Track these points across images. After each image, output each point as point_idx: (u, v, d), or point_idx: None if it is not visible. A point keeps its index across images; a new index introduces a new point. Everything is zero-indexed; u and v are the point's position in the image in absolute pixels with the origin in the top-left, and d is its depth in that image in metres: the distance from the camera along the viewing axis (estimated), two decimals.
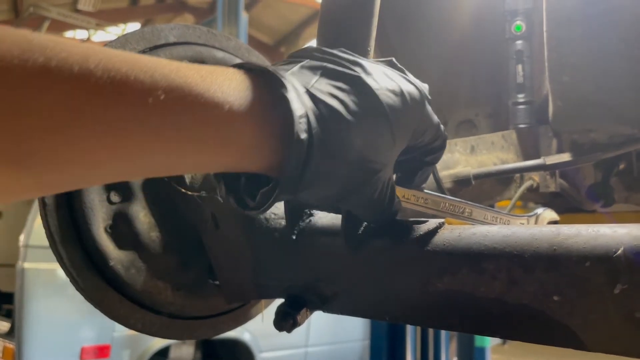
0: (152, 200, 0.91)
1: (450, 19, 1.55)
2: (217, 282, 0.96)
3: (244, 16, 7.43)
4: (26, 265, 3.76)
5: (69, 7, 11.86)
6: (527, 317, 0.57)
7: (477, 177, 1.05)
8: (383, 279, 0.71)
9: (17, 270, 3.76)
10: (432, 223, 0.70)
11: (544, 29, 1.03)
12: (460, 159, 1.12)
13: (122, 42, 0.93)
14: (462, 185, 1.07)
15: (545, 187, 1.20)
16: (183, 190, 0.90)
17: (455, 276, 0.64)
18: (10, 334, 3.88)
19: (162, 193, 0.92)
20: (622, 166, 1.45)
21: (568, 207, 1.60)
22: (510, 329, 0.59)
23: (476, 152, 1.16)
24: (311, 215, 0.84)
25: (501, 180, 1.23)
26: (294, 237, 0.82)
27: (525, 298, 0.58)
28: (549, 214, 0.93)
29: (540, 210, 0.92)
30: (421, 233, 0.69)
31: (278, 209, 0.88)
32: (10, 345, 3.81)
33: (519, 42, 1.26)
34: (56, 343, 3.76)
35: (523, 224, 0.91)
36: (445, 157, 1.09)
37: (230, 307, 1.01)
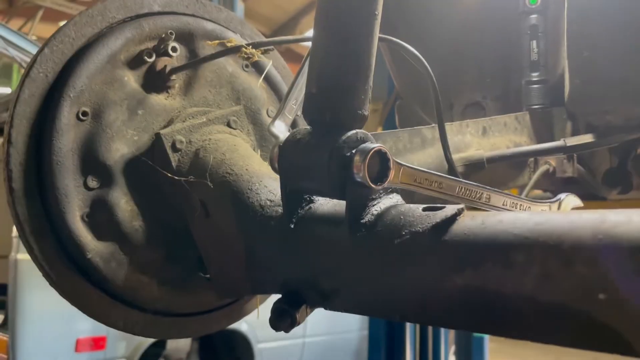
0: (135, 185, 0.82)
1: None
2: (207, 276, 0.88)
3: (240, 5, 7.35)
4: (19, 256, 3.67)
5: None
6: (565, 319, 0.49)
7: (492, 160, 0.97)
8: (392, 273, 0.63)
9: (10, 261, 3.67)
10: (450, 209, 0.62)
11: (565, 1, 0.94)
12: (472, 141, 1.03)
13: (100, 11, 0.84)
14: (475, 169, 0.99)
15: (562, 171, 1.12)
16: (169, 174, 0.81)
17: (478, 270, 0.55)
18: (3, 326, 3.81)
19: (146, 178, 0.83)
20: (638, 151, 1.37)
21: (579, 194, 1.51)
22: (544, 332, 0.51)
23: (488, 135, 1.08)
24: (311, 201, 0.75)
25: (514, 165, 1.15)
26: (292, 226, 0.74)
27: (562, 296, 0.49)
28: (573, 200, 0.84)
29: (563, 196, 0.84)
30: (438, 221, 0.61)
31: (275, 195, 0.80)
32: (4, 337, 3.73)
33: (534, 16, 1.17)
34: (51, 335, 3.68)
35: (545, 210, 0.83)
36: (456, 138, 1.00)
37: (222, 302, 0.93)
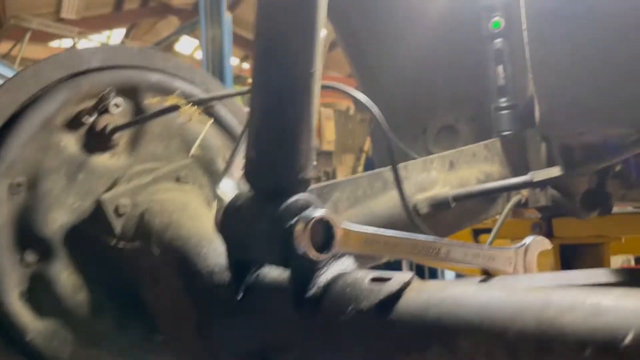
0: (78, 256, 0.78)
1: (423, 13, 1.42)
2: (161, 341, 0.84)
3: (227, 16, 7.31)
4: None
5: (51, 16, 11.64)
6: None
7: (457, 198, 0.93)
8: (340, 353, 0.59)
9: None
10: (395, 282, 0.57)
11: (524, 26, 0.90)
12: (438, 178, 0.99)
13: (34, 73, 0.80)
14: (441, 209, 0.95)
15: (535, 201, 1.08)
16: (113, 242, 0.77)
17: (424, 355, 0.51)
18: None
19: (90, 247, 0.79)
20: (617, 168, 1.33)
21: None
22: None
23: (456, 168, 1.04)
24: (260, 267, 0.71)
25: (488, 196, 1.11)
26: (240, 297, 0.70)
27: None
28: (540, 244, 0.80)
29: (529, 240, 0.80)
30: (382, 297, 0.57)
31: (224, 259, 0.76)
32: None
33: (498, 40, 1.13)
34: None
35: (511, 258, 0.79)
36: (420, 177, 0.97)
37: None
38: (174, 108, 0.78)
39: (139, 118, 0.81)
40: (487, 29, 1.13)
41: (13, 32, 11.30)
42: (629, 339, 0.40)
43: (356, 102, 0.76)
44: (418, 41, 1.47)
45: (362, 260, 0.80)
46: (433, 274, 3.10)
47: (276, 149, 0.63)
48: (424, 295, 0.55)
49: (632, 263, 5.46)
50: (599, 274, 0.67)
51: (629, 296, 0.43)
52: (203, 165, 0.91)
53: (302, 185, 0.65)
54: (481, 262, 0.76)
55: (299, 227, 0.60)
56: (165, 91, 0.89)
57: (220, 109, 0.95)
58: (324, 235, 0.62)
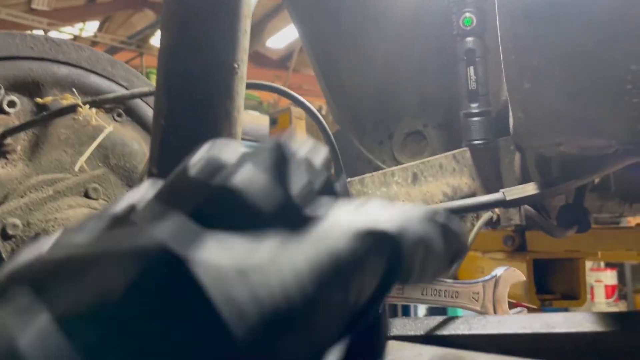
0: None
1: (390, 10, 1.30)
2: None
3: None
4: None
5: (23, 6, 11.26)
6: None
7: None
8: None
9: None
10: None
11: (498, 25, 0.78)
12: (399, 193, 0.87)
13: None
14: None
15: (508, 219, 0.97)
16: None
17: None
18: None
19: None
20: (596, 181, 1.23)
21: None
22: None
23: (420, 181, 0.92)
24: None
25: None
26: None
27: None
28: (511, 276, 0.69)
29: (499, 272, 0.68)
30: None
31: None
32: None
33: (470, 39, 1.01)
34: None
35: (477, 292, 0.67)
36: (379, 192, 0.84)
37: None
38: (71, 109, 0.64)
39: (32, 120, 0.67)
40: (458, 26, 1.02)
41: None
42: None
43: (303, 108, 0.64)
44: (385, 40, 1.35)
45: None
46: (406, 308, 2.99)
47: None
48: None
49: (603, 266, 5.47)
50: (579, 320, 0.55)
51: None
52: (122, 176, 0.77)
53: None
54: (443, 299, 0.64)
55: None
56: (77, 88, 0.75)
57: (148, 109, 0.81)
58: None
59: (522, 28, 0.76)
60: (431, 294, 0.62)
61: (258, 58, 11.08)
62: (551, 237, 1.25)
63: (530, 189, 0.80)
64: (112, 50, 11.92)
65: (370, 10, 1.34)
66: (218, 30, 0.51)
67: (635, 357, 0.52)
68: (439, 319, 0.64)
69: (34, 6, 10.95)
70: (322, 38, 1.42)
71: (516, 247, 1.62)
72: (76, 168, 0.67)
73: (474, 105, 1.02)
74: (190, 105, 0.50)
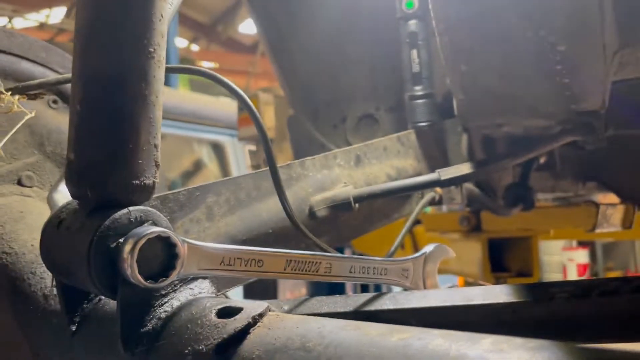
0: None
1: None
2: None
3: None
4: None
5: None
6: None
7: (359, 199, 0.83)
8: None
9: None
10: (243, 318, 0.46)
11: (430, 6, 0.80)
12: (341, 175, 0.89)
13: None
14: (343, 211, 0.84)
15: (450, 199, 0.99)
16: None
17: None
18: None
19: None
20: (542, 160, 1.27)
21: None
22: None
23: (363, 163, 0.93)
24: None
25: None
26: (73, 329, 0.57)
27: None
28: (441, 252, 0.71)
29: (429, 248, 0.71)
30: (225, 336, 0.45)
31: None
32: None
33: (412, 21, 1.03)
34: None
35: (407, 269, 0.69)
36: (321, 175, 0.85)
37: None
38: None
39: None
40: (401, 10, 1.03)
41: None
42: None
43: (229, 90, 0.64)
44: (337, 24, 1.36)
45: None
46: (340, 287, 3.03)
47: (102, 148, 0.50)
48: (273, 335, 0.44)
49: (574, 245, 5.61)
50: (497, 293, 0.58)
51: (498, 351, 0.32)
52: (58, 163, 0.77)
53: (139, 194, 0.52)
54: (372, 276, 0.66)
55: (127, 248, 0.48)
56: (9, 75, 0.74)
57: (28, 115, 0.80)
58: (165, 257, 0.50)
59: (453, 9, 0.78)
60: (360, 271, 0.64)
61: (231, 43, 10.92)
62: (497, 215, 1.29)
63: (464, 168, 0.83)
64: None
65: None
66: (132, 14, 0.51)
67: (543, 326, 0.54)
68: (367, 295, 0.66)
69: None
70: (274, 19, 1.42)
71: (472, 227, 1.65)
72: None
73: (418, 87, 1.04)
74: (105, 90, 0.50)
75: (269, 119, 4.08)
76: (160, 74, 0.53)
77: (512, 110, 0.99)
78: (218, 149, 4.87)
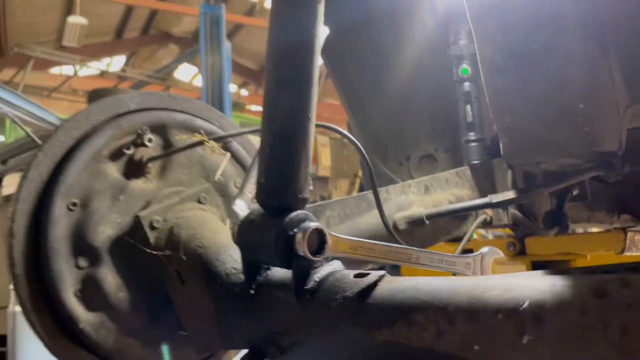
0: (120, 262, 0.96)
1: (405, 56, 1.63)
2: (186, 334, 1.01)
3: (226, 44, 7.54)
4: (17, 308, 3.76)
5: (53, 43, 11.91)
6: None
7: (430, 217, 1.12)
8: (331, 331, 0.77)
9: (9, 313, 3.76)
10: (373, 276, 0.76)
11: (482, 77, 1.10)
12: (414, 200, 1.18)
13: (85, 115, 0.99)
14: (417, 226, 1.13)
15: (498, 220, 1.27)
16: (148, 250, 0.96)
17: (392, 328, 0.70)
18: None
19: (129, 254, 0.97)
20: (575, 192, 1.53)
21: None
22: None
23: (430, 192, 1.23)
24: (268, 269, 0.89)
25: (458, 215, 1.30)
26: (252, 292, 0.88)
27: (451, 347, 0.64)
28: (494, 253, 0.99)
29: (485, 250, 0.99)
30: (363, 287, 0.75)
31: (239, 263, 0.94)
32: None
33: (466, 84, 1.33)
34: None
35: (469, 264, 0.98)
36: (400, 199, 1.16)
37: (200, 357, 1.06)
38: (200, 143, 0.98)
39: (172, 150, 1.00)
40: (457, 74, 1.34)
41: (15, 59, 11.55)
42: (525, 305, 0.58)
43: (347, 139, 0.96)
44: (402, 81, 1.68)
45: (350, 266, 0.99)
46: None
47: (281, 175, 0.83)
48: (393, 286, 0.74)
49: None
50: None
51: (529, 277, 0.61)
52: (219, 189, 1.10)
53: (301, 204, 0.84)
54: (445, 266, 0.94)
55: (299, 236, 0.79)
56: (189, 128, 1.08)
57: (233, 142, 1.14)
58: (318, 242, 0.81)
59: (498, 80, 1.08)
60: (437, 261, 0.93)
61: None
62: (547, 239, 1.55)
63: (510, 194, 1.11)
64: (138, 84, 12.49)
65: (389, 52, 1.67)
66: (299, 93, 0.83)
67: None
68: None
69: (64, 43, 11.58)
70: (348, 74, 1.76)
71: (517, 251, 1.90)
72: (216, 177, 1.00)
73: (471, 134, 1.34)
74: (282, 139, 0.82)
75: (325, 159, 4.42)
76: (312, 128, 0.85)
77: (547, 151, 1.27)
78: None
